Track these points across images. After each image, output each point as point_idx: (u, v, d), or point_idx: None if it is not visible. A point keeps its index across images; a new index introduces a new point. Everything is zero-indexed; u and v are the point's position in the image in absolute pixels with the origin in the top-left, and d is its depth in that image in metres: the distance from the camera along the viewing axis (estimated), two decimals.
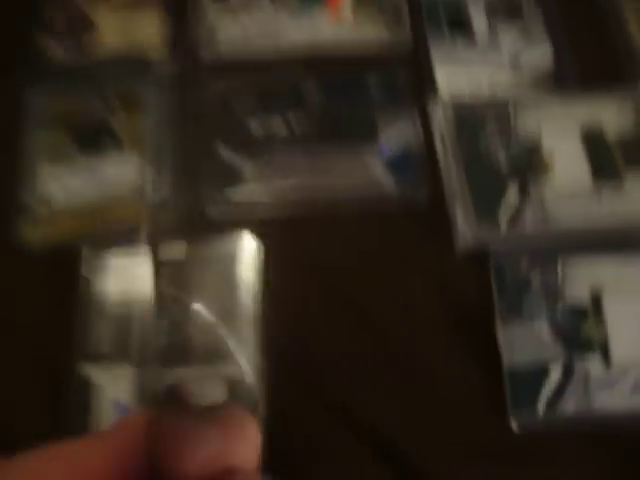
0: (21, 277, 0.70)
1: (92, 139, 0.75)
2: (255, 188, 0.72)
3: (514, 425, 0.61)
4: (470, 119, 0.75)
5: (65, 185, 0.72)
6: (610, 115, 0.75)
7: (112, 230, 0.70)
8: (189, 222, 0.71)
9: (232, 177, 0.73)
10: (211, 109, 0.76)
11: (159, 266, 0.68)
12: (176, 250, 0.69)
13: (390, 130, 0.75)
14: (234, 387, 0.63)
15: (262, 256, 0.69)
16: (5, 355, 0.66)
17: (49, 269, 0.69)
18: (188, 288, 0.67)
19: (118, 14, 0.83)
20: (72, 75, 0.79)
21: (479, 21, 0.82)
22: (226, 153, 0.74)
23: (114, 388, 0.63)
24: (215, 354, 0.64)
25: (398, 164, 0.73)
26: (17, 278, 0.70)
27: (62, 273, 0.68)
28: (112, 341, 0.65)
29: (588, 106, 0.76)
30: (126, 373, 0.64)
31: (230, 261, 0.69)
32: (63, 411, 0.62)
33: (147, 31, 0.82)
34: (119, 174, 0.73)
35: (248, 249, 0.69)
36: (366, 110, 0.76)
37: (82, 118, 0.76)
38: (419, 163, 0.73)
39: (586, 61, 0.79)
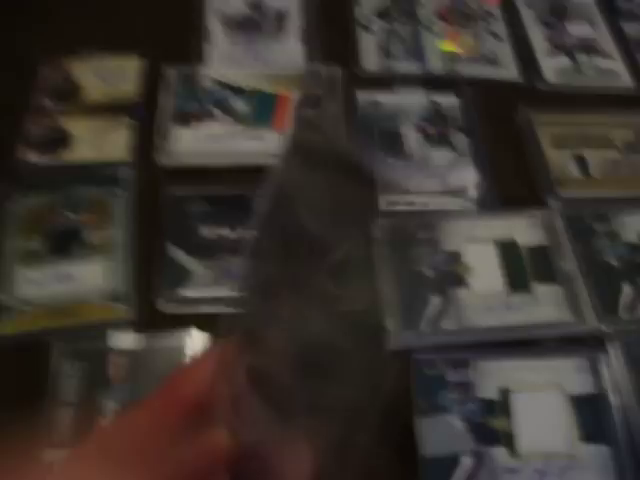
0: None
1: (64, 245, 0.83)
2: (202, 285, 0.80)
3: None
4: (402, 238, 0.84)
5: (36, 286, 0.80)
6: (523, 230, 0.86)
7: (78, 327, 0.78)
8: (143, 316, 0.79)
9: (182, 276, 0.81)
10: (166, 216, 0.85)
11: None
12: (130, 340, 0.76)
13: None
14: None
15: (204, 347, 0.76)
16: None
17: (18, 363, 0.76)
18: (139, 377, 0.74)
19: (91, 127, 0.93)
20: (48, 186, 0.88)
21: (412, 145, 0.93)
22: (178, 255, 0.82)
23: None
24: None
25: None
26: None
27: (30, 366, 0.75)
28: (73, 429, 0.71)
29: (504, 222, 0.86)
30: None
31: (178, 353, 0.76)
32: None
33: (116, 143, 0.92)
34: (86, 278, 0.81)
35: (195, 342, 0.76)
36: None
37: (56, 225, 0.85)
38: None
39: (503, 185, 0.90)
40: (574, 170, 0.93)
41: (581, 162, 0.94)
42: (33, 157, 0.91)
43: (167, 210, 0.86)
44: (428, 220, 0.87)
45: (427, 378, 0.74)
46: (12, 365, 0.76)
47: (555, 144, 0.95)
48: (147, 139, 0.92)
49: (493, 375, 0.75)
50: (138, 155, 0.91)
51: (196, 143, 0.91)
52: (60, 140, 0.92)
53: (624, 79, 1.04)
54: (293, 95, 0.95)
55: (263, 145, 0.91)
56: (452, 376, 0.74)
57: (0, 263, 0.81)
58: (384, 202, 0.88)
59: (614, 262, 0.84)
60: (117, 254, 0.82)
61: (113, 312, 0.79)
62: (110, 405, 0.73)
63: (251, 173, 0.89)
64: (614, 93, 1.03)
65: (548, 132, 0.96)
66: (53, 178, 0.88)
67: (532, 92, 1.02)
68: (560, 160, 0.93)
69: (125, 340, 0.76)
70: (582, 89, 1.03)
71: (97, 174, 0.89)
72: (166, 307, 0.79)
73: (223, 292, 0.79)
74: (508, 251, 0.84)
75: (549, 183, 0.91)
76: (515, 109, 0.99)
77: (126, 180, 0.88)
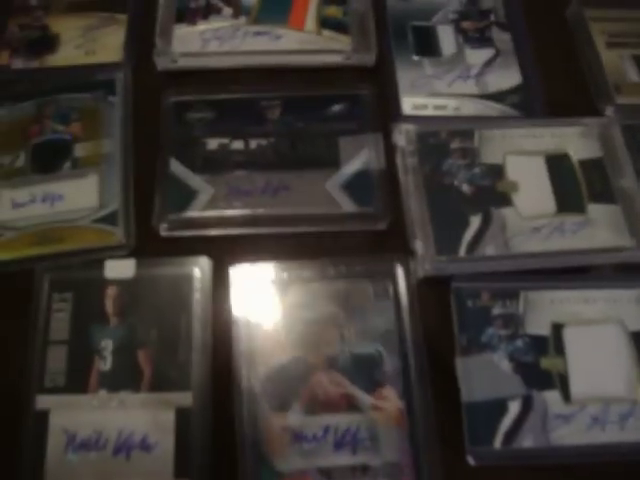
0: None
1: (50, 162, 0.73)
2: (210, 208, 0.70)
3: (471, 459, 0.59)
4: (434, 146, 0.74)
5: (20, 209, 0.70)
6: (575, 143, 0.74)
7: (68, 254, 0.68)
8: (142, 240, 0.69)
9: (185, 194, 0.70)
10: (167, 126, 0.74)
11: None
12: (126, 270, 0.67)
13: (351, 152, 0.73)
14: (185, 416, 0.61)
15: (214, 276, 0.67)
16: None
17: (3, 294, 0.68)
18: (137, 310, 0.65)
19: (80, 26, 0.81)
20: (31, 96, 0.76)
21: (448, 45, 0.81)
22: (181, 171, 0.71)
23: (67, 419, 0.61)
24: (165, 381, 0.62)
25: (357, 187, 0.71)
26: None
27: (17, 299, 0.66)
28: (66, 371, 0.63)
29: (554, 134, 0.75)
30: (80, 403, 0.62)
31: (181, 282, 0.66)
32: (18, 444, 0.60)
33: (108, 44, 0.80)
34: (76, 198, 0.71)
35: (202, 271, 0.67)
36: (328, 133, 0.74)
37: (41, 141, 0.74)
38: (379, 188, 0.71)
39: (553, 88, 0.79)
40: (633, 73, 0.81)
41: None
42: (16, 62, 0.79)
43: (167, 119, 0.75)
44: (463, 127, 0.75)
45: (469, 311, 0.65)
46: None
47: (611, 43, 0.83)
48: (144, 39, 0.80)
49: (544, 308, 0.66)
50: (133, 57, 0.80)
51: (200, 43, 0.79)
52: (45, 42, 0.81)
53: None
54: None
55: (275, 44, 0.79)
56: (498, 309, 0.65)
57: None
58: (410, 104, 0.77)
59: None
60: (111, 170, 0.72)
61: (108, 237, 0.69)
62: (107, 344, 0.64)
63: (262, 75, 0.80)
64: None
65: (603, 29, 0.84)
66: (38, 85, 0.77)
67: None
68: (617, 61, 0.82)
69: (121, 268, 0.67)
70: None
71: (87, 79, 0.77)
72: (168, 230, 0.69)
73: (232, 212, 0.70)
74: (558, 165, 0.73)
75: (604, 88, 0.80)
76: (565, 2, 0.87)
77: (120, 85, 0.77)
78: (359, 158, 0.73)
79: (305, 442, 0.60)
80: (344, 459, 0.60)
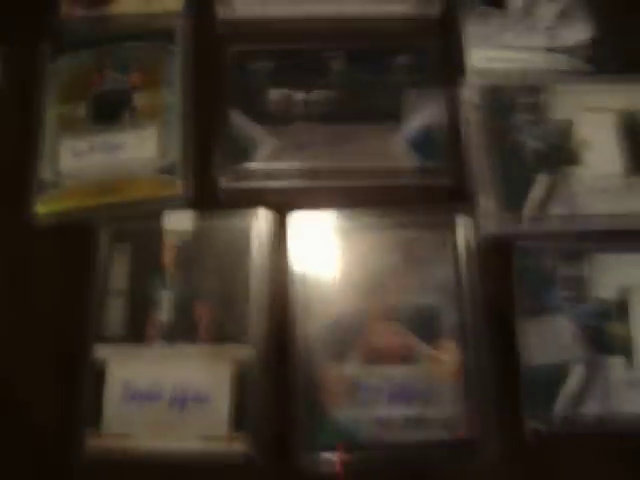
0: (35, 254, 0.68)
1: (110, 112, 0.72)
2: (271, 159, 0.69)
3: (531, 427, 0.58)
4: (500, 103, 0.71)
5: (80, 159, 0.70)
6: None
7: (127, 205, 0.68)
8: (201, 192, 0.68)
9: (248, 148, 0.69)
10: (228, 76, 0.73)
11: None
12: (185, 221, 0.66)
13: (416, 108, 0.71)
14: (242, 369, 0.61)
15: (277, 231, 0.66)
16: (20, 335, 0.65)
17: (63, 245, 0.68)
18: (196, 262, 0.65)
19: None
20: (92, 45, 0.76)
21: None
22: (242, 122, 0.70)
23: (125, 369, 0.62)
24: (224, 333, 0.62)
25: (422, 144, 0.69)
26: (31, 255, 0.68)
27: (76, 249, 0.67)
28: (125, 321, 0.63)
29: (627, 93, 0.71)
30: (138, 353, 0.62)
31: (241, 236, 0.66)
32: (77, 392, 0.61)
33: None
34: (135, 148, 0.70)
35: (262, 223, 0.66)
36: (392, 86, 0.72)
37: (101, 91, 0.73)
38: (444, 145, 0.69)
39: (627, 44, 0.75)
40: None
41: None
42: (76, 11, 0.78)
43: (228, 69, 0.73)
44: (532, 81, 0.72)
45: (533, 272, 0.63)
46: (55, 249, 0.68)
47: None
48: None
49: (612, 270, 0.63)
50: (194, 5, 0.78)
51: None
52: None
53: None
54: None
55: None
56: (563, 270, 0.63)
57: (41, 132, 0.71)
58: (477, 58, 0.74)
59: None
60: (171, 121, 0.71)
61: (167, 188, 0.68)
62: (165, 295, 0.64)
63: (323, 25, 0.78)
64: None
65: None
66: (98, 35, 0.76)
67: None
68: None
69: (180, 220, 0.67)
70: None
71: (147, 28, 0.76)
72: (228, 182, 0.69)
73: (293, 164, 0.68)
74: (632, 124, 0.70)
75: None
76: None
77: (180, 34, 0.76)
78: (424, 112, 0.70)
79: (361, 392, 0.60)
80: (399, 410, 0.59)
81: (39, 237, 0.68)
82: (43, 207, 0.68)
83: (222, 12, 0.77)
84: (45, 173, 0.69)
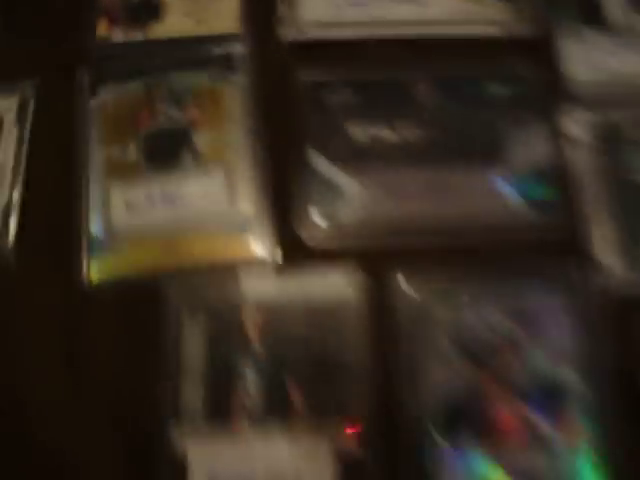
0: (93, 322, 0.59)
1: (166, 155, 0.62)
2: (363, 213, 0.59)
3: None
4: (616, 135, 0.62)
5: (136, 212, 0.59)
6: None
7: (197, 268, 0.58)
8: (282, 250, 0.59)
9: (330, 195, 0.60)
10: (300, 107, 0.63)
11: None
12: (267, 285, 0.57)
13: (518, 142, 0.62)
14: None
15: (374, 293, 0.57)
16: (83, 411, 0.56)
17: (123, 311, 0.58)
18: (283, 330, 0.56)
19: None
20: (137, 75, 0.66)
21: (615, 9, 0.69)
22: (322, 165, 0.61)
23: (208, 460, 0.52)
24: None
25: (529, 185, 0.60)
26: (88, 322, 0.59)
27: (139, 316, 0.57)
28: (204, 401, 0.54)
29: None
30: (221, 442, 0.53)
31: (330, 298, 0.57)
32: None
33: (222, 13, 0.68)
34: (201, 195, 0.60)
35: (352, 284, 0.57)
36: (488, 115, 0.63)
37: (154, 129, 0.63)
38: (554, 185, 0.60)
39: None
40: None
41: None
42: (117, 33, 0.68)
43: (302, 102, 0.64)
44: None
45: None
46: (116, 321, 0.58)
47: None
48: (266, 3, 0.68)
49: None
50: (254, 26, 0.68)
51: (334, 9, 0.68)
52: (149, 7, 0.69)
53: None
54: None
55: (423, 11, 0.67)
56: None
57: (84, 179, 0.61)
58: (581, 85, 0.65)
59: None
60: (239, 164, 0.61)
61: (242, 246, 0.59)
62: (250, 369, 0.54)
63: (402, 48, 0.69)
64: None
65: None
66: (145, 61, 0.66)
67: None
68: None
69: (261, 284, 0.57)
70: None
71: (200, 53, 0.66)
72: (314, 240, 0.59)
73: (386, 218, 0.59)
74: None
75: None
76: None
77: (241, 61, 0.66)
78: (529, 150, 0.62)
79: None
80: None
81: (96, 307, 0.58)
82: (98, 272, 0.58)
83: (288, 34, 0.67)
84: (95, 228, 0.60)
